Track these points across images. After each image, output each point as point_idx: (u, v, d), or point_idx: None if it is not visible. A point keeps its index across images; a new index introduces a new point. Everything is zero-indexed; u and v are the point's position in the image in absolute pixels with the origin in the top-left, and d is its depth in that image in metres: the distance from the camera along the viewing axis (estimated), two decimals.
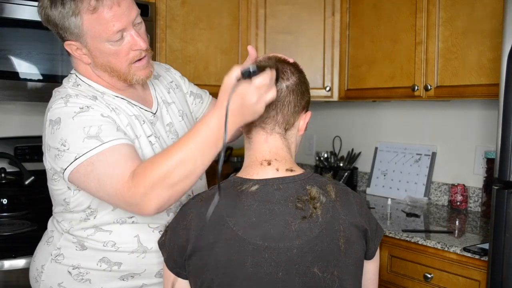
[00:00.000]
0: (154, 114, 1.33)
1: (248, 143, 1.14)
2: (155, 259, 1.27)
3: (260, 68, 1.02)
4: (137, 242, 1.25)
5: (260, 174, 1.09)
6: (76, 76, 1.26)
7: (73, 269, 1.24)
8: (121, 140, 1.12)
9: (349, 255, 1.07)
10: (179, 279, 1.10)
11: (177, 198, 1.08)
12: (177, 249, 1.08)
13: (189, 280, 1.09)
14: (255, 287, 1.02)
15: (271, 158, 1.11)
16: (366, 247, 1.13)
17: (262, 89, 1.01)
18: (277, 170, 1.10)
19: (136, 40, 1.19)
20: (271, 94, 1.03)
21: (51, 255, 1.27)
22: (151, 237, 1.27)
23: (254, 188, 1.06)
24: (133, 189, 1.05)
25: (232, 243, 1.02)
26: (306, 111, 1.16)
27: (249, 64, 1.03)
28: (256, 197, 1.05)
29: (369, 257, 1.16)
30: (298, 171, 1.12)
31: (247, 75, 1.01)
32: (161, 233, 1.27)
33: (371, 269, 1.20)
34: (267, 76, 1.01)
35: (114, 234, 1.24)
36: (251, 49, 1.21)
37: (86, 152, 1.09)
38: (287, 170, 1.10)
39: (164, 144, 1.30)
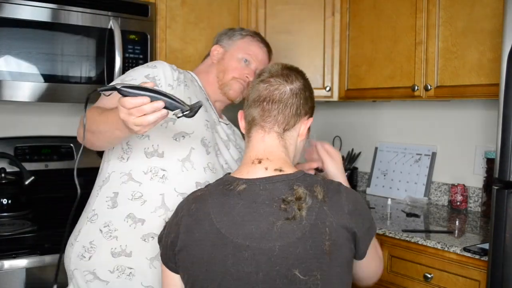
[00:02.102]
0: (219, 122, 1.60)
1: (248, 141, 1.17)
2: None
3: (137, 89, 1.02)
4: (161, 200, 1.37)
5: (250, 173, 1.11)
6: (188, 71, 1.62)
7: (104, 226, 1.38)
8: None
9: (335, 258, 1.05)
10: (172, 273, 1.14)
11: (90, 141, 1.27)
12: (169, 244, 1.11)
13: (180, 274, 1.12)
14: (236, 285, 1.03)
15: (263, 157, 1.12)
16: (356, 249, 1.12)
17: (132, 110, 1.02)
18: (266, 169, 1.11)
19: (251, 71, 1.62)
20: (142, 120, 1.03)
21: (87, 218, 1.41)
22: (174, 200, 1.37)
23: (241, 187, 1.08)
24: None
25: (216, 240, 1.05)
26: (309, 117, 1.19)
27: (129, 84, 1.05)
28: (242, 196, 1.07)
29: (359, 257, 1.15)
30: (288, 170, 1.11)
31: (118, 91, 1.03)
32: (183, 199, 1.33)
33: (364, 265, 1.18)
34: (135, 100, 1.01)
35: (143, 186, 1.38)
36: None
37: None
38: (275, 170, 1.10)
39: (216, 137, 1.53)
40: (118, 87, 1.03)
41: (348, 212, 1.08)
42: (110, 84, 1.24)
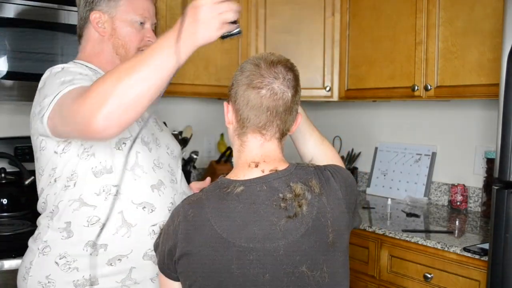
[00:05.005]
0: None
1: (240, 145, 1.13)
2: (141, 237, 1.27)
3: None
4: (121, 219, 1.25)
5: (246, 175, 1.09)
6: (74, 61, 1.37)
7: (60, 258, 1.25)
8: (90, 83, 1.13)
9: (338, 246, 1.07)
10: (171, 281, 1.12)
11: (127, 111, 1.01)
12: (167, 252, 1.09)
13: (180, 282, 1.10)
14: None
15: (260, 160, 1.11)
16: (354, 223, 1.16)
17: (221, 6, 0.99)
18: (263, 171, 1.09)
19: (151, 33, 1.40)
20: (229, 15, 1.01)
21: (38, 249, 1.28)
22: (134, 214, 1.27)
23: (239, 189, 1.06)
24: (85, 99, 1.02)
25: (217, 246, 1.03)
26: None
27: None
28: (240, 198, 1.05)
29: (357, 225, 1.20)
30: (282, 167, 1.10)
31: None
32: (145, 210, 1.28)
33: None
34: None
35: (98, 209, 1.25)
36: None
37: (59, 92, 1.14)
38: (271, 170, 1.10)
39: (150, 127, 1.38)
40: None
41: (343, 195, 1.10)
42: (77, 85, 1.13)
